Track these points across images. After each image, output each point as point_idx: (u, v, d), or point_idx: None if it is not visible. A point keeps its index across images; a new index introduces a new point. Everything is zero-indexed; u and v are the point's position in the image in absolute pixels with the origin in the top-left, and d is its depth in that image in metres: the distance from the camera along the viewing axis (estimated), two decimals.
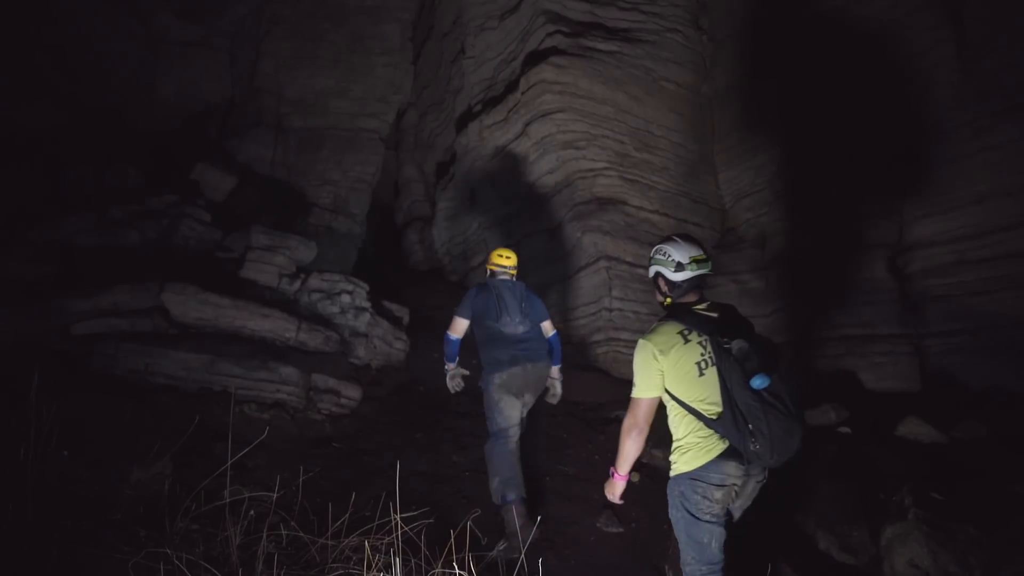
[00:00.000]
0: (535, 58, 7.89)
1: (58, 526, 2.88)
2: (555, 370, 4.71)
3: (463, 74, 9.83)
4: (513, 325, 4.49)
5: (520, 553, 3.58)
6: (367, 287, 6.98)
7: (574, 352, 7.38)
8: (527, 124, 7.98)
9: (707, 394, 2.69)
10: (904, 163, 6.56)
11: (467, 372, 4.76)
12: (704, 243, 3.18)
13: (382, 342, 6.64)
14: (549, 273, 7.97)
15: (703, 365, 2.71)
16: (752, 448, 2.56)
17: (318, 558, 3.04)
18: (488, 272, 4.82)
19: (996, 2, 6.16)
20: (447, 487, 4.61)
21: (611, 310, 7.10)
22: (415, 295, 8.24)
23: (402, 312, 7.35)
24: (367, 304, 6.79)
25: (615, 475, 2.97)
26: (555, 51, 7.70)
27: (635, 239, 7.37)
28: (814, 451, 4.65)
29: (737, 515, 2.89)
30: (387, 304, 7.22)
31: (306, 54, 10.76)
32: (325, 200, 10.57)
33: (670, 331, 2.78)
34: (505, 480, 4.11)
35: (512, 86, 8.35)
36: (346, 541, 3.02)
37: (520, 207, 8.50)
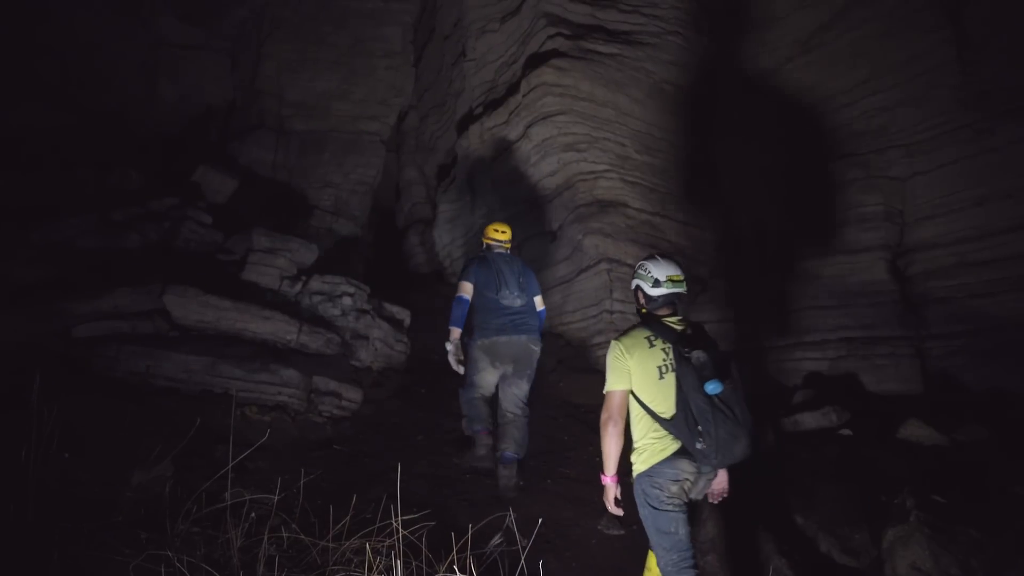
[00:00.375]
0: (536, 60, 7.90)
1: (59, 528, 2.89)
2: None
3: (464, 76, 9.83)
4: (511, 298, 4.84)
5: (489, 463, 4.75)
6: (368, 289, 6.98)
7: (575, 354, 7.38)
8: (528, 126, 7.98)
9: (664, 396, 2.96)
10: (905, 165, 6.57)
11: (462, 357, 4.97)
12: (683, 264, 3.43)
13: (383, 344, 6.64)
14: (550, 275, 7.97)
15: (663, 369, 2.98)
16: (699, 447, 2.84)
17: (319, 560, 3.04)
18: (484, 245, 5.18)
19: (996, 1, 6.17)
20: (448, 489, 4.60)
21: (612, 312, 7.10)
22: (416, 297, 8.24)
23: (403, 314, 7.35)
24: (368, 306, 6.79)
25: (604, 479, 3.13)
26: (556, 53, 7.71)
27: (636, 241, 7.37)
28: (816, 454, 4.66)
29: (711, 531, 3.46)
30: (388, 306, 7.22)
31: (307, 57, 10.77)
32: (326, 202, 10.58)
33: (638, 335, 3.08)
34: (473, 418, 4.90)
35: (513, 88, 8.35)
36: (347, 544, 3.03)
37: (521, 209, 8.50)
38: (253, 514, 3.11)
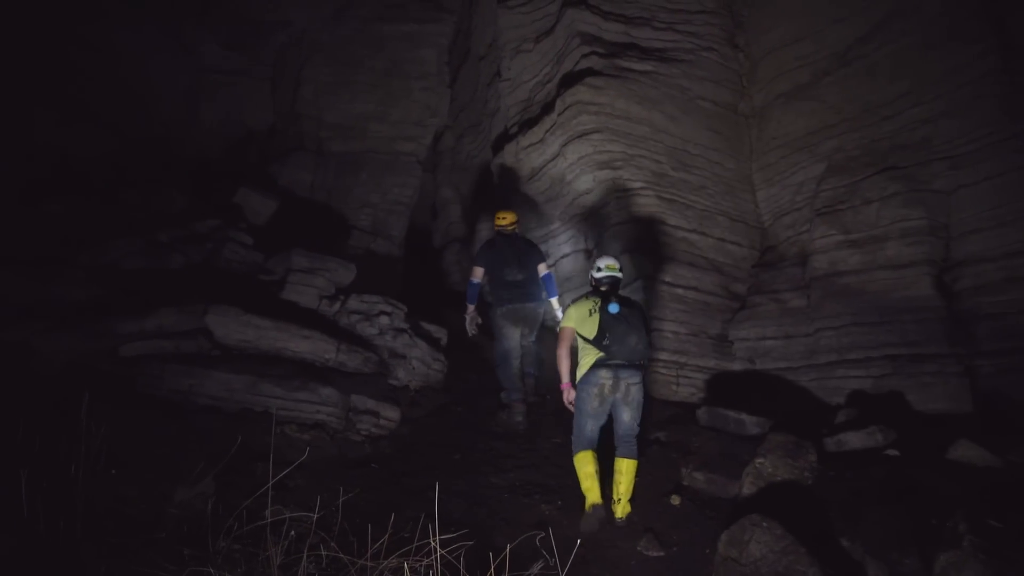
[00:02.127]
0: (571, 79, 7.93)
1: (106, 543, 2.94)
2: (553, 301, 6.54)
3: (499, 96, 9.91)
4: (513, 274, 6.21)
5: (521, 427, 6.09)
6: (405, 308, 7.03)
7: None
8: (563, 145, 8.00)
9: (591, 326, 4.66)
10: (949, 177, 6.42)
11: (480, 320, 6.60)
12: (620, 259, 5.15)
13: (420, 363, 6.67)
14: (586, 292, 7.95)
15: (591, 312, 4.70)
16: (605, 344, 4.56)
17: None
18: (495, 231, 6.52)
19: None
20: (485, 509, 4.59)
21: (651, 329, 7.04)
22: (453, 316, 8.26)
23: (440, 333, 7.38)
24: (405, 325, 6.84)
25: (563, 385, 4.85)
26: (591, 72, 7.73)
27: (673, 258, 7.31)
28: (861, 474, 4.53)
29: (626, 418, 4.66)
30: (425, 325, 7.26)
31: (345, 80, 10.97)
32: (364, 222, 10.72)
33: (582, 299, 4.90)
34: (510, 389, 6.21)
35: (548, 107, 8.39)
36: (385, 563, 3.02)
37: (557, 227, 8.51)
38: (293, 532, 3.13)
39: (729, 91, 8.28)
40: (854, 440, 5.04)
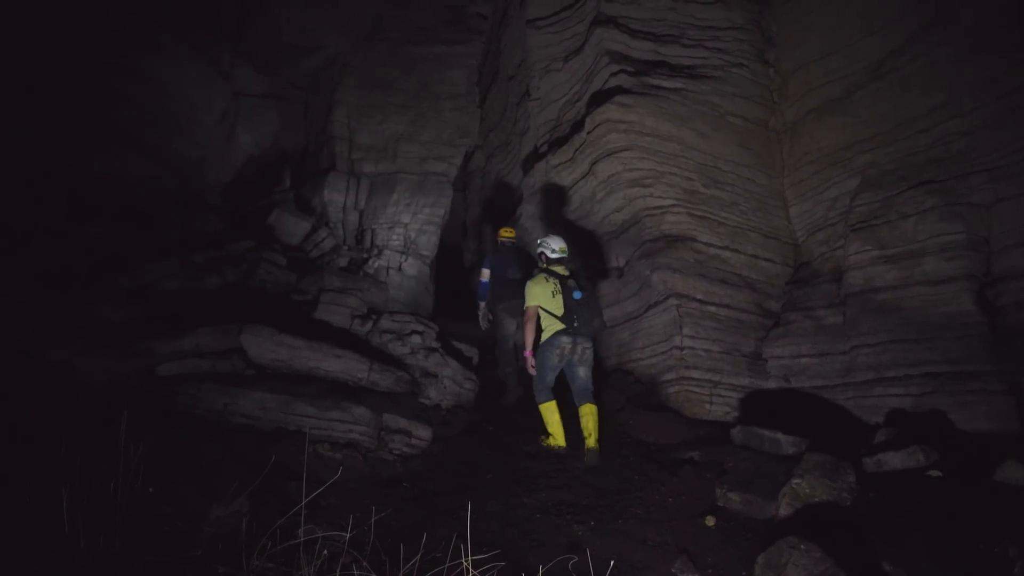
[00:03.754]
0: (600, 98, 7.95)
1: (143, 559, 2.98)
2: None
3: (528, 116, 9.97)
4: (513, 274, 7.34)
5: (515, 401, 7.41)
6: (437, 328, 7.07)
7: (644, 392, 7.26)
8: (593, 163, 8.01)
9: (556, 305, 5.83)
10: (988, 191, 6.29)
11: (491, 317, 7.76)
12: (567, 240, 6.40)
13: (452, 382, 6.68)
14: (618, 311, 7.91)
15: (554, 292, 5.87)
16: (575, 326, 5.75)
17: None
18: (499, 242, 7.87)
19: None
20: (517, 529, 4.55)
21: (682, 348, 6.97)
22: (484, 335, 8.29)
23: (471, 352, 7.40)
24: (437, 344, 6.86)
25: (526, 353, 6.03)
26: (620, 90, 7.74)
27: (705, 276, 7.25)
28: (902, 496, 4.42)
29: (582, 374, 5.92)
30: (456, 344, 7.29)
31: (377, 101, 11.16)
32: (396, 242, 10.84)
33: (540, 276, 6.03)
34: (506, 364, 7.60)
35: (578, 126, 8.41)
36: None
37: (588, 246, 8.50)
38: (325, 551, 3.14)
39: (760, 107, 8.23)
40: (894, 460, 4.91)
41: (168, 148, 10.06)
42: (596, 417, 5.76)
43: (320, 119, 11.58)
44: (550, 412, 5.98)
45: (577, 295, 5.77)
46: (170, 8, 10.00)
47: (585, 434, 5.72)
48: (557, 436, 5.97)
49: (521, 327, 6.94)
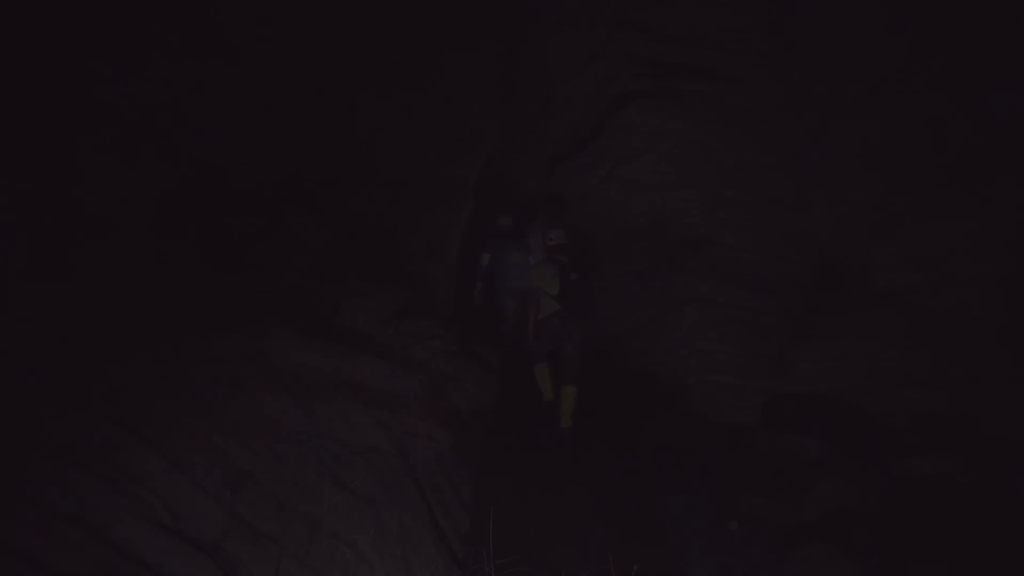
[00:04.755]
0: (621, 101, 7.93)
1: None
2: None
3: (548, 119, 9.97)
4: (512, 258, 8.12)
5: (510, 330, 8.20)
6: (458, 331, 7.07)
7: (667, 395, 7.21)
8: (614, 167, 7.99)
9: (556, 285, 6.66)
10: (1018, 192, 6.18)
11: (484, 296, 8.41)
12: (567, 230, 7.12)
13: (473, 386, 6.69)
14: (640, 315, 7.87)
15: (552, 275, 6.70)
16: (568, 304, 6.53)
17: None
18: (498, 228, 8.72)
19: None
20: (537, 532, 4.55)
21: (705, 352, 6.93)
22: (507, 342, 8.28)
23: (492, 356, 7.40)
24: (458, 348, 6.87)
25: (532, 325, 6.87)
26: (640, 93, 7.72)
27: (727, 278, 7.20)
28: (932, 501, 4.36)
29: (569, 349, 6.59)
30: (477, 348, 7.29)
31: (398, 105, 11.21)
32: (417, 247, 10.86)
33: (544, 265, 6.91)
34: (503, 309, 8.30)
35: (598, 130, 8.40)
36: None
37: (609, 249, 8.47)
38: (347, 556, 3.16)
39: (782, 108, 8.15)
40: (922, 465, 4.86)
41: (187, 155, 10.14)
42: (573, 399, 6.48)
43: (342, 124, 11.66)
44: (541, 372, 6.90)
45: (574, 277, 6.67)
46: None
47: (559, 413, 6.50)
48: (545, 392, 6.88)
49: (519, 306, 7.91)
